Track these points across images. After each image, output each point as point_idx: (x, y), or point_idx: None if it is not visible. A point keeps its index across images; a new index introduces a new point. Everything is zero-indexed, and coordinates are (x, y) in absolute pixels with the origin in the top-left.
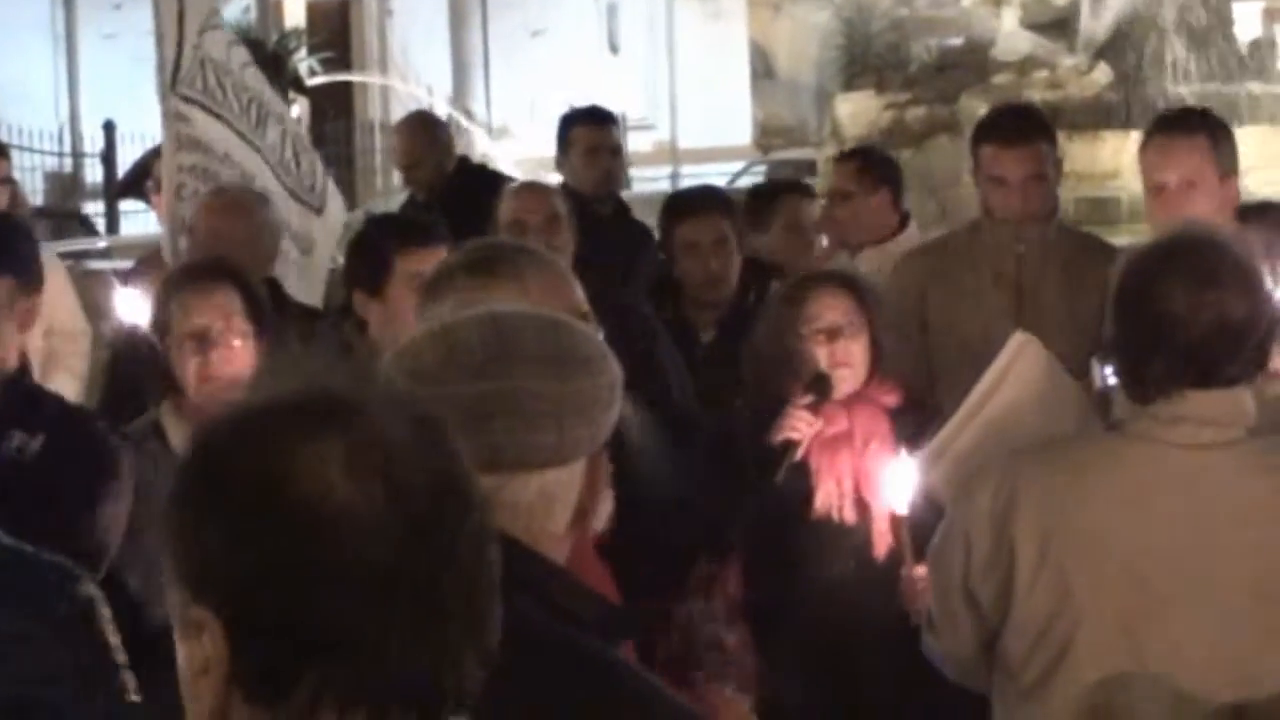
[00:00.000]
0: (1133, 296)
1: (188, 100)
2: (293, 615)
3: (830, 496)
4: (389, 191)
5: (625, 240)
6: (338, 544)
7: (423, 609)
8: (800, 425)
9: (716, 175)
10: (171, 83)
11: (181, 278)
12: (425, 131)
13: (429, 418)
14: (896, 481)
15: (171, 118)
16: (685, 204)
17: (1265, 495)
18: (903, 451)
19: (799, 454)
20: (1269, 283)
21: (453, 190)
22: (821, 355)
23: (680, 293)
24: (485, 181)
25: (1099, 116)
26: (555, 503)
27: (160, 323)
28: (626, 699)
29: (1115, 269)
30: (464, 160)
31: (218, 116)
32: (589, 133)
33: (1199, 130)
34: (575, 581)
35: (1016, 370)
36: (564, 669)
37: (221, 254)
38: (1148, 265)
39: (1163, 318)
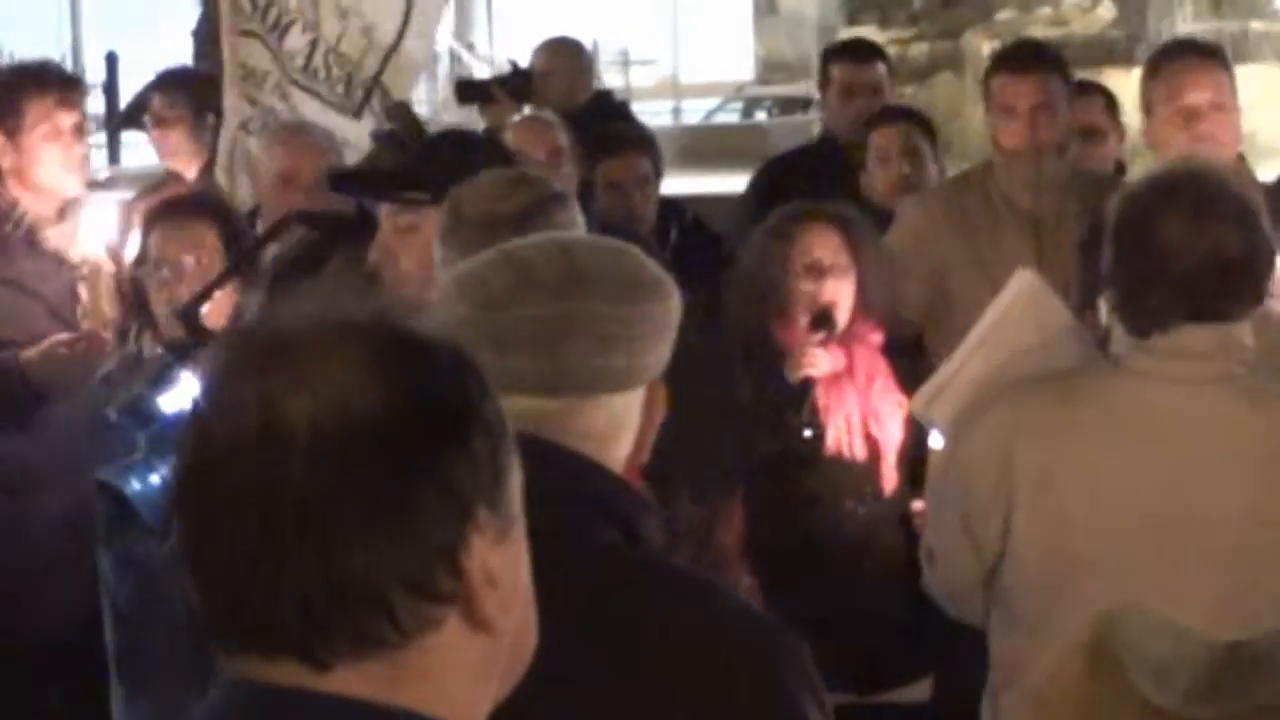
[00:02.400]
0: (1130, 229)
1: (247, 33)
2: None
3: (840, 435)
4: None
5: None
6: (191, 469)
7: (253, 544)
8: (819, 362)
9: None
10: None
11: (162, 210)
12: (563, 50)
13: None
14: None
15: (232, 49)
16: (610, 142)
17: (1261, 429)
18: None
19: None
20: (1266, 220)
21: (578, 121)
22: (811, 292)
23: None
24: (618, 120)
25: (1102, 53)
26: (622, 429)
27: (141, 254)
28: (700, 606)
29: (1112, 202)
30: (603, 95)
31: (248, 34)
32: (845, 70)
33: (1214, 55)
34: (640, 497)
35: (1019, 307)
36: (638, 583)
37: (307, 199)
38: (1146, 198)
39: (1160, 249)
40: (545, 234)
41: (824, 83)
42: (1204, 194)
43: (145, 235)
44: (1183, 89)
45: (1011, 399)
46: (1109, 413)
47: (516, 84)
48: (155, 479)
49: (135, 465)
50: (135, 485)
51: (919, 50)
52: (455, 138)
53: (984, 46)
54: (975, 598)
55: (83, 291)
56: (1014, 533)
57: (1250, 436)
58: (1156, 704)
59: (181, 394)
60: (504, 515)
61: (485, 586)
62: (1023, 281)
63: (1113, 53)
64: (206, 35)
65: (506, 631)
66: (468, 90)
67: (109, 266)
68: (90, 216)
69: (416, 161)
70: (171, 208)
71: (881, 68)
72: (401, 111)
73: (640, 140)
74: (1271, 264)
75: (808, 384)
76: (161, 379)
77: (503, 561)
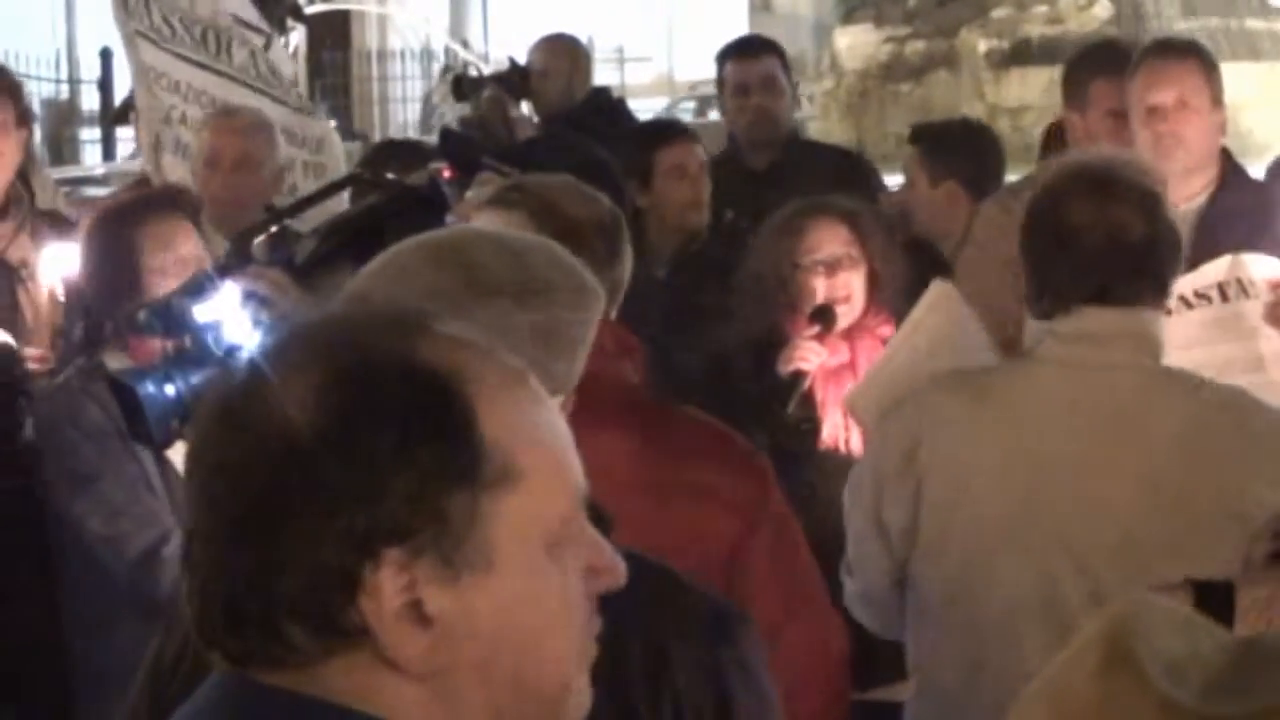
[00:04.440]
0: (1039, 212)
1: (140, 34)
2: None
3: (836, 428)
4: (385, 120)
5: None
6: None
7: (206, 546)
8: (809, 356)
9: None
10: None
11: (143, 210)
12: (561, 48)
13: (346, 388)
14: None
15: (131, 43)
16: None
17: (1165, 416)
18: None
19: (807, 384)
20: (1170, 210)
21: (575, 118)
22: (820, 287)
23: (641, 224)
24: (614, 118)
25: None
26: None
27: (119, 259)
28: (657, 589)
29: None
30: (599, 92)
31: (170, 52)
32: (736, 68)
33: (1191, 54)
34: None
35: (931, 319)
36: None
37: (229, 179)
38: (1054, 184)
39: (1064, 229)
40: (472, 228)
41: (720, 85)
42: (1108, 180)
43: (123, 238)
44: (1149, 88)
45: (919, 394)
46: (1012, 400)
47: (513, 81)
48: (170, 390)
49: (151, 371)
50: (149, 389)
51: (914, 48)
52: (558, 139)
53: (979, 44)
54: (890, 601)
55: (23, 299)
56: (922, 523)
57: (1154, 423)
58: (1175, 700)
59: (219, 305)
60: (450, 557)
61: (401, 627)
62: (937, 293)
63: None
64: None
65: (455, 674)
66: (463, 86)
67: (57, 290)
68: (55, 252)
69: (521, 147)
70: (154, 206)
71: (773, 62)
72: (495, 105)
73: (691, 130)
74: (1176, 252)
75: (798, 377)
76: (196, 287)
77: (454, 604)
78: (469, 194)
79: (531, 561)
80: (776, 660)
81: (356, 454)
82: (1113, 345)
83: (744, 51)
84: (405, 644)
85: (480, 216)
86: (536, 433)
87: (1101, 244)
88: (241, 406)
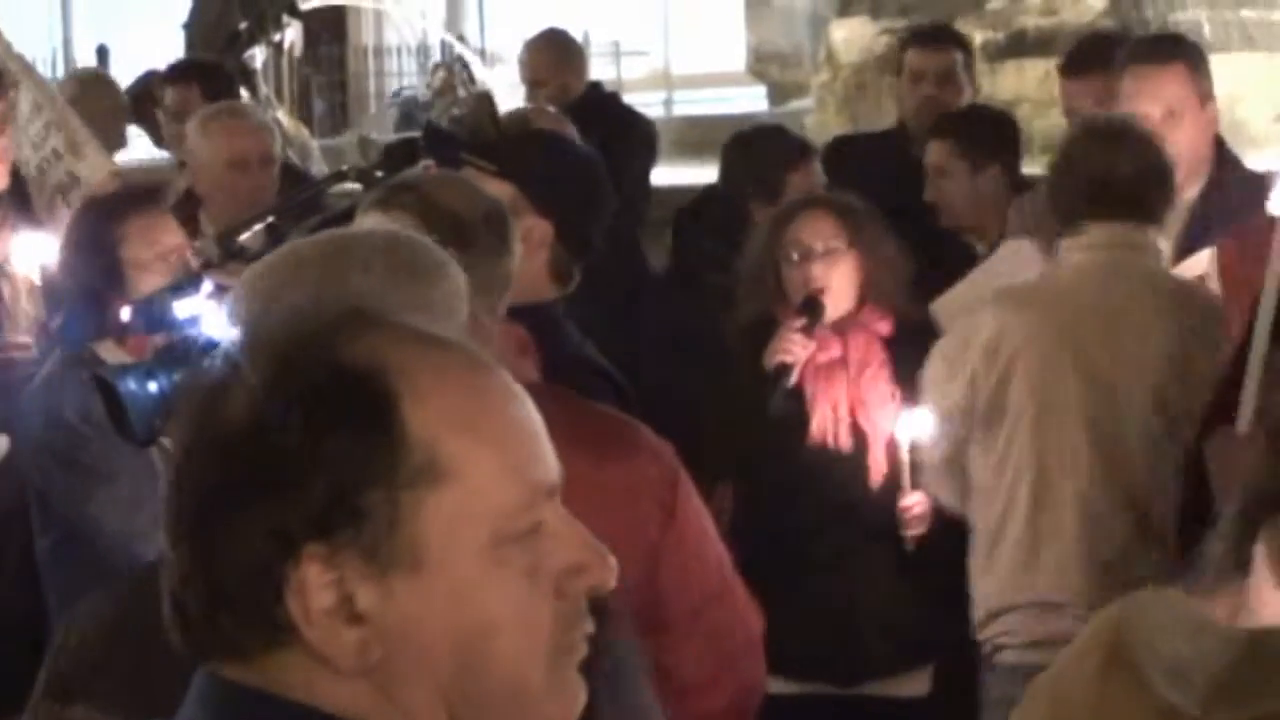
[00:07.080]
0: (1059, 159)
1: None
2: None
3: (825, 423)
4: (381, 115)
5: None
6: None
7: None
8: (794, 348)
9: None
10: None
11: (125, 205)
12: (553, 49)
13: (273, 388)
14: (908, 416)
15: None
16: (799, 150)
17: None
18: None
19: (794, 378)
20: (1166, 152)
21: (577, 115)
22: (800, 278)
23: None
24: (612, 109)
25: None
26: None
27: (100, 252)
28: None
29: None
30: (595, 86)
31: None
32: (917, 55)
33: (1175, 57)
34: None
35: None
36: None
37: (258, 177)
38: (1069, 136)
39: (1069, 166)
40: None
41: (898, 68)
42: (1110, 129)
43: (112, 232)
44: (1135, 98)
45: (987, 303)
46: (1034, 296)
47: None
48: (153, 386)
49: (134, 368)
50: (131, 385)
51: None
52: (550, 137)
53: (975, 36)
54: (951, 473)
55: (5, 291)
56: (976, 404)
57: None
58: (1174, 706)
59: (200, 302)
60: (373, 554)
61: (331, 624)
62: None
63: None
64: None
65: (395, 672)
66: (436, 139)
67: (34, 279)
68: (28, 241)
69: (505, 143)
70: (146, 199)
71: (957, 54)
72: (484, 104)
73: (813, 146)
74: (1166, 185)
75: (783, 370)
76: (180, 284)
77: (385, 602)
78: None
79: (469, 560)
80: (696, 646)
81: (273, 452)
82: (1108, 249)
83: (927, 40)
84: (334, 641)
85: (367, 218)
86: (481, 426)
87: (1091, 178)
88: (193, 406)
